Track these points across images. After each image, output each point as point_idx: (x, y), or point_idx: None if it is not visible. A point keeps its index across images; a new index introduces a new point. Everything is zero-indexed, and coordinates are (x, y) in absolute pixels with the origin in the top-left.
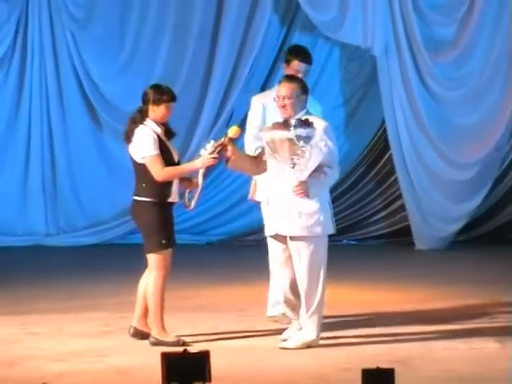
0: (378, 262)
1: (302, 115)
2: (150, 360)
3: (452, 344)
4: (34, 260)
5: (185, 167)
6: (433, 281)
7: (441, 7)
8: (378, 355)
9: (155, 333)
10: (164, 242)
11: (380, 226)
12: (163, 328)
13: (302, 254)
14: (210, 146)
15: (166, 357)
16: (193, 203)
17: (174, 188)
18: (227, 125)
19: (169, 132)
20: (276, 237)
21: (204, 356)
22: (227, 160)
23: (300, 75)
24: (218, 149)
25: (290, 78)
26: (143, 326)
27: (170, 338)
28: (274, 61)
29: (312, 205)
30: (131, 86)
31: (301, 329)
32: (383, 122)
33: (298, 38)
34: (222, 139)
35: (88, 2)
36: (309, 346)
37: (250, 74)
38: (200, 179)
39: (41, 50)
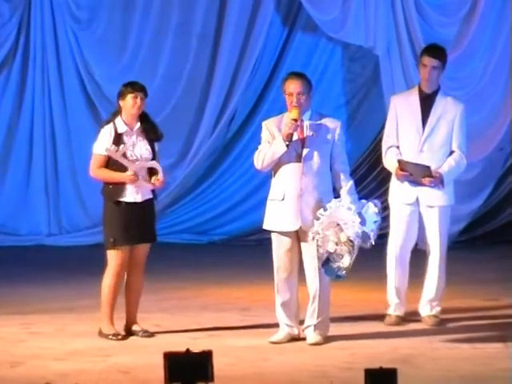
0: (379, 261)
1: (308, 112)
2: (152, 359)
3: (454, 344)
4: (36, 260)
5: (116, 176)
6: None
7: (443, 7)
8: (380, 354)
9: (102, 324)
10: (112, 240)
11: (381, 225)
12: (110, 322)
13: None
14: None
15: (168, 356)
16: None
17: (131, 189)
18: (229, 124)
19: (152, 130)
20: (288, 233)
21: (207, 355)
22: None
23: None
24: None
25: (297, 73)
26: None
27: (113, 332)
28: (276, 61)
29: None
30: None
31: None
32: (385, 123)
33: (300, 38)
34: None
35: (90, 3)
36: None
37: (252, 74)
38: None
39: (43, 50)
